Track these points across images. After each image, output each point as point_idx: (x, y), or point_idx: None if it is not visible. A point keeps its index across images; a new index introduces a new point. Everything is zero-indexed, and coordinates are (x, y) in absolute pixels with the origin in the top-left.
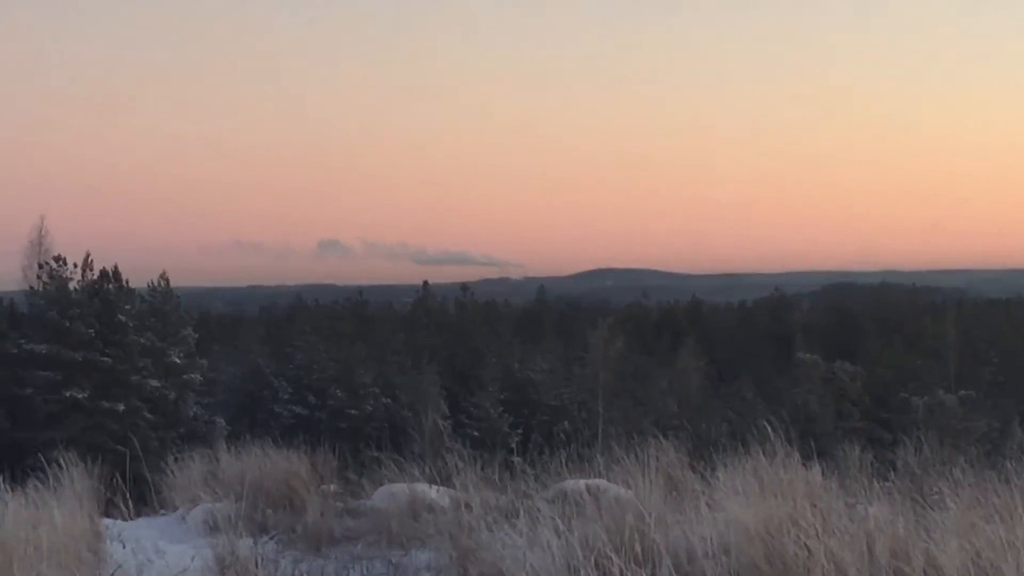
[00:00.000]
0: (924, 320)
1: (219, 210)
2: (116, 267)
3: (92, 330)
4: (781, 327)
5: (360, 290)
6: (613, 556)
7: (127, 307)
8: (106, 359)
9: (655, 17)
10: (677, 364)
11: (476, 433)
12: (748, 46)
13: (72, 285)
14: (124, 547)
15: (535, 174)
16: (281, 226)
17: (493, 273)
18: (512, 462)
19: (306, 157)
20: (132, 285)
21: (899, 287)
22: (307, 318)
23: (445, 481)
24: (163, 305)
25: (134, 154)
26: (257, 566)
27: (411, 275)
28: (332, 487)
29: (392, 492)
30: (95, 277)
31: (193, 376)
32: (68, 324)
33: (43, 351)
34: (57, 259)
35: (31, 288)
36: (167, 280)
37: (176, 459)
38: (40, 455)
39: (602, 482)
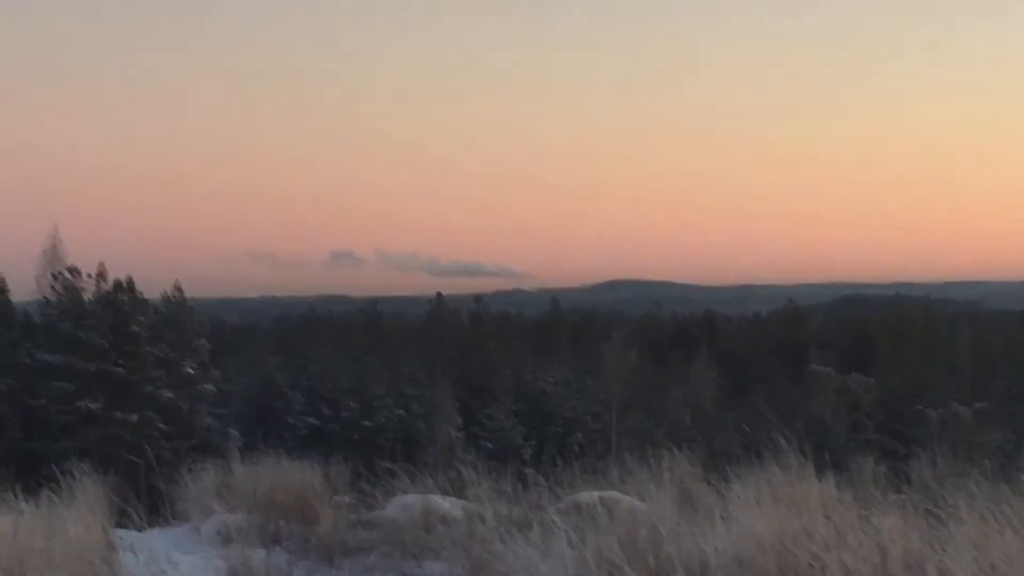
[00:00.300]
0: (938, 332)
1: (233, 221)
2: (130, 278)
3: (106, 341)
4: (795, 339)
5: (374, 301)
6: (626, 568)
7: (141, 318)
8: (120, 370)
9: (672, 29)
10: (691, 376)
11: (489, 445)
12: (764, 58)
13: (86, 296)
14: (137, 558)
15: (549, 185)
16: (294, 237)
17: (507, 284)
18: (525, 474)
19: (319, 167)
20: (146, 296)
21: (913, 299)
22: (321, 329)
23: (458, 493)
24: (177, 316)
25: (148, 165)
26: None
27: (424, 286)
28: (345, 498)
29: (405, 503)
30: (109, 288)
31: (207, 387)
32: (82, 335)
33: (57, 362)
34: (71, 270)
35: (45, 298)
36: (181, 291)
37: (189, 470)
38: (53, 465)
39: (616, 494)
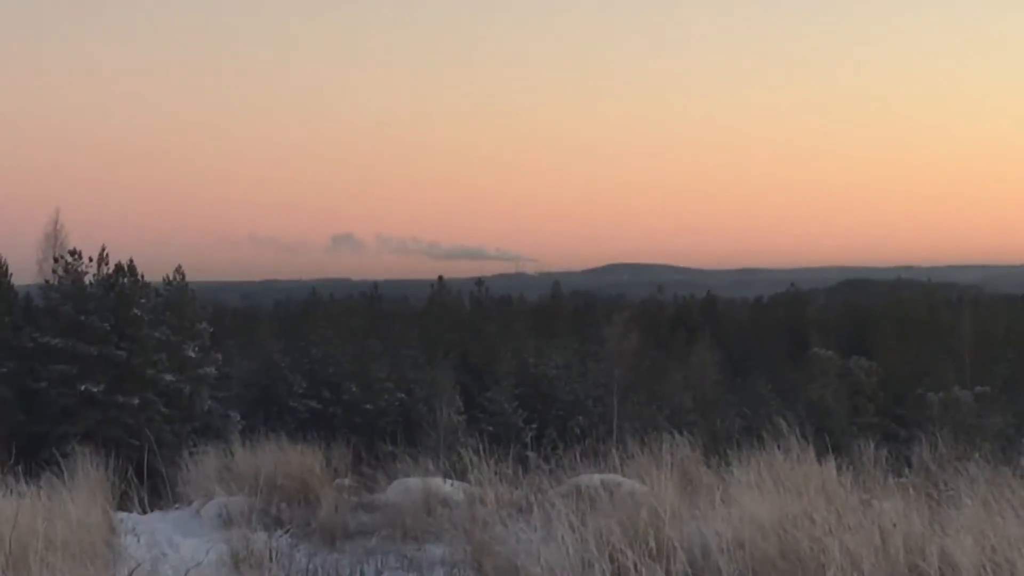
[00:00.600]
0: (939, 316)
1: (234, 205)
2: (131, 261)
3: (107, 324)
4: (796, 322)
5: (375, 285)
6: (627, 551)
7: (142, 301)
8: (121, 353)
9: (673, 13)
10: (692, 359)
11: (490, 428)
12: (765, 41)
13: (87, 279)
14: (138, 541)
15: (549, 168)
16: (295, 221)
17: (508, 268)
18: (526, 457)
19: (319, 151)
20: (147, 279)
21: (914, 283)
22: (322, 313)
23: (459, 476)
24: (178, 299)
25: (149, 148)
26: (271, 560)
27: (425, 270)
28: (346, 481)
29: (407, 487)
30: (110, 271)
31: (208, 370)
32: (83, 318)
33: (58, 345)
34: (72, 253)
35: (46, 282)
36: (182, 274)
37: (190, 453)
38: (55, 448)
39: (616, 477)
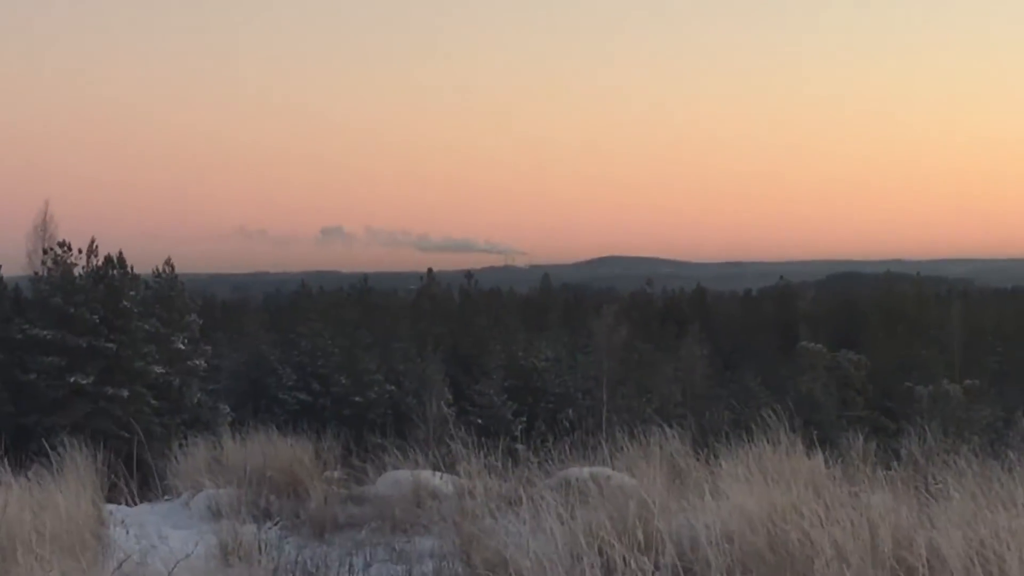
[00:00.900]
0: (929, 309)
1: (224, 197)
2: (121, 253)
3: (96, 316)
4: (786, 316)
5: (365, 277)
6: (616, 543)
7: (132, 293)
8: (110, 345)
9: (665, 10)
10: (681, 352)
11: (480, 420)
12: (754, 36)
13: (77, 271)
14: (128, 532)
15: (539, 162)
16: (285, 213)
17: (497, 261)
18: (515, 450)
19: (308, 144)
20: (137, 271)
21: (904, 276)
22: (311, 305)
23: (449, 468)
24: (168, 291)
25: (139, 141)
26: (260, 552)
27: (415, 262)
28: (336, 474)
29: (396, 479)
30: (100, 263)
31: (197, 362)
32: (72, 310)
33: (47, 336)
34: (62, 245)
35: (36, 273)
36: (172, 266)
37: (180, 445)
38: (44, 440)
39: (606, 470)
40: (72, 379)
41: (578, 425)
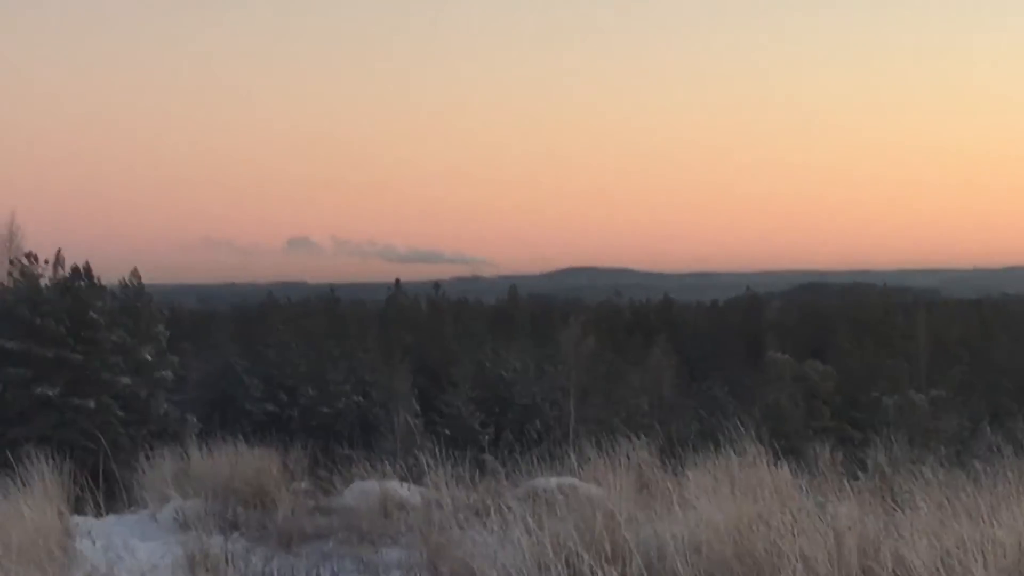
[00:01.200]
0: (895, 320)
1: (190, 208)
2: (87, 264)
3: (63, 327)
4: (753, 326)
5: (332, 288)
6: (584, 554)
7: (98, 304)
8: (77, 356)
9: (633, 16)
10: (649, 363)
11: (447, 431)
12: (719, 49)
13: (43, 282)
14: (94, 544)
15: (506, 172)
16: (251, 223)
17: (465, 271)
18: (483, 460)
19: (274, 154)
20: (103, 282)
21: (871, 287)
22: (278, 316)
23: (416, 479)
24: (134, 302)
25: (105, 152)
26: (228, 563)
27: (382, 273)
28: (303, 485)
29: (363, 490)
30: (66, 274)
31: (164, 373)
32: (39, 321)
33: (13, 348)
34: (28, 256)
35: (1, 284)
36: (139, 277)
37: (147, 456)
38: (9, 452)
39: (573, 480)
40: (38, 390)
41: (545, 436)
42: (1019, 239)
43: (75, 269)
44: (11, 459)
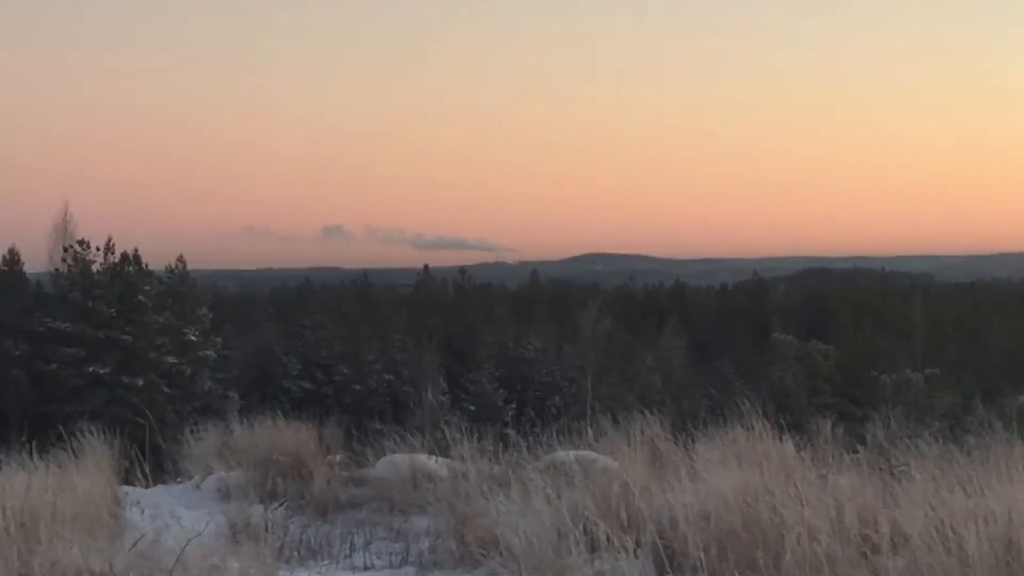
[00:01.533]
0: (893, 303)
1: (232, 199)
2: (136, 251)
3: (113, 310)
4: (758, 309)
5: (364, 273)
6: (600, 522)
7: (146, 288)
8: (126, 337)
9: (642, 17)
10: (661, 343)
11: (472, 407)
12: (726, 42)
13: (95, 267)
14: (142, 513)
15: (528, 163)
16: (288, 212)
17: (488, 257)
18: (506, 435)
19: (310, 146)
20: (151, 268)
21: (870, 272)
22: (314, 299)
23: (443, 452)
24: (180, 286)
25: (153, 144)
26: (267, 530)
27: (411, 259)
28: (338, 457)
29: (394, 462)
30: (116, 260)
31: (208, 353)
32: (91, 304)
33: (67, 329)
34: (80, 243)
35: (56, 270)
36: (184, 263)
37: (191, 431)
38: (64, 427)
39: (590, 453)
40: (90, 369)
41: (564, 411)
42: (1009, 226)
43: (124, 255)
44: (65, 434)
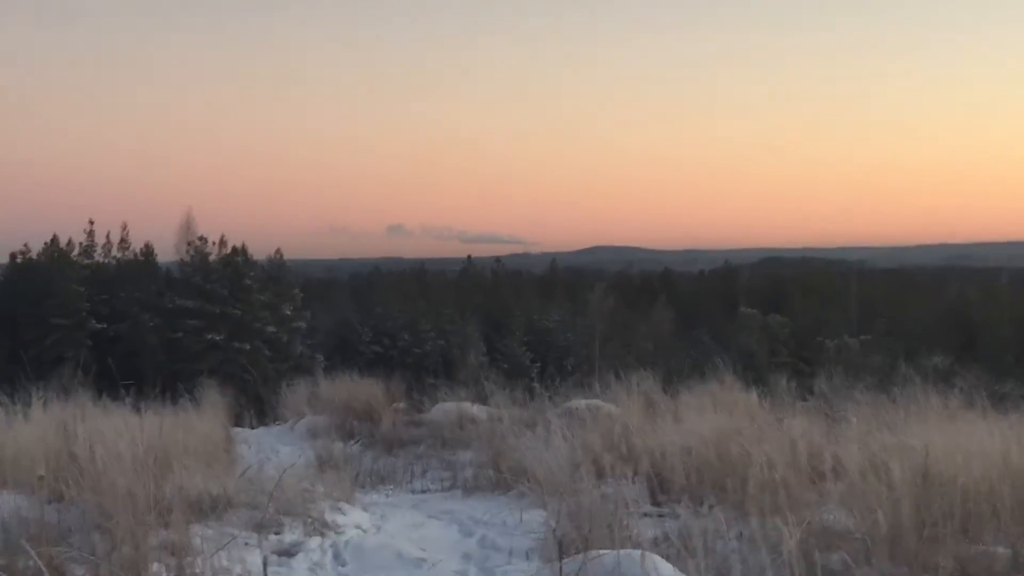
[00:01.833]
0: (835, 284)
1: (319, 201)
2: (244, 244)
3: (226, 290)
4: (729, 290)
5: (421, 263)
6: (605, 455)
7: (251, 274)
8: (236, 311)
9: (651, 23)
10: (653, 317)
11: (506, 367)
12: (718, 43)
13: (211, 258)
14: (249, 448)
15: (548, 168)
16: (360, 214)
17: (518, 249)
18: (532, 387)
19: (379, 159)
20: (255, 258)
21: (817, 260)
22: (382, 283)
23: (483, 401)
24: (277, 272)
25: (257, 159)
26: (346, 462)
27: (457, 251)
28: (401, 405)
29: (444, 409)
30: (228, 252)
31: (300, 324)
32: (208, 286)
33: (190, 305)
34: (200, 238)
35: (181, 260)
36: (281, 254)
37: (287, 385)
38: (188, 382)
39: (598, 402)
40: (209, 336)
41: (577, 369)
42: (927, 223)
43: (234, 248)
44: (188, 387)
